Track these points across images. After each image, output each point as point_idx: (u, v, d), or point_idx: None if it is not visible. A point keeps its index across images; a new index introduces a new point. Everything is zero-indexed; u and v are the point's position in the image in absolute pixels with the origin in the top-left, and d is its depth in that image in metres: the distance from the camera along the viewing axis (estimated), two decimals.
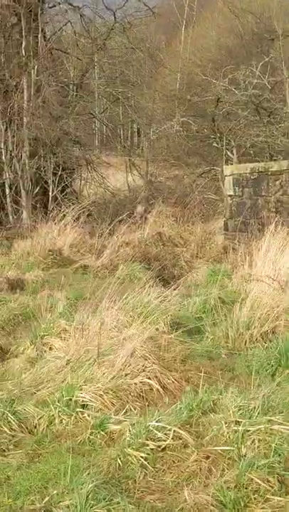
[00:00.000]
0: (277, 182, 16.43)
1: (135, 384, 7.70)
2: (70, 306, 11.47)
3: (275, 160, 17.93)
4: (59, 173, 20.63)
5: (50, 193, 20.76)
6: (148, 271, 15.92)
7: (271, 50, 24.12)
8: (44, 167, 20.84)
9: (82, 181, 24.28)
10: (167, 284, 16.73)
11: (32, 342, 9.91)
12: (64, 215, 18.65)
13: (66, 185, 21.54)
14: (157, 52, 25.81)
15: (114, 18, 22.52)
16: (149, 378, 7.79)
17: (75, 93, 21.63)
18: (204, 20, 34.79)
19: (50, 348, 9.63)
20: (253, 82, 17.50)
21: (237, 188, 17.31)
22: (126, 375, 7.81)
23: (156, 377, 7.87)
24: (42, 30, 23.50)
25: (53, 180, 20.61)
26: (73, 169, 22.75)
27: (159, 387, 7.73)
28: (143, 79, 23.62)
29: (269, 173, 16.56)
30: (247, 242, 15.84)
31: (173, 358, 8.66)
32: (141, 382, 7.76)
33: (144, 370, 7.92)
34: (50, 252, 16.80)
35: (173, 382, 7.96)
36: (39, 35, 22.85)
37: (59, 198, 20.66)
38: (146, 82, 23.22)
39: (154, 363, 8.04)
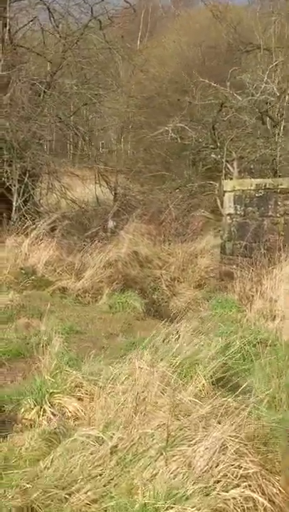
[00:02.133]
0: (288, 201, 13.88)
1: (234, 500, 4.84)
2: (66, 343, 8.88)
3: (280, 177, 15.42)
4: (25, 180, 17.56)
5: (14, 203, 17.63)
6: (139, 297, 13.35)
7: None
8: (7, 172, 17.72)
9: (44, 191, 21.25)
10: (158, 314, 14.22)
11: (37, 402, 7.06)
12: (32, 229, 15.63)
13: (31, 195, 18.50)
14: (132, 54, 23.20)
15: (92, 13, 19.74)
16: (251, 489, 4.98)
17: (43, 91, 18.62)
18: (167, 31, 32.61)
19: (64, 412, 7.00)
20: (261, 86, 15.05)
21: (239, 206, 14.81)
22: (217, 482, 4.98)
23: (260, 485, 5.05)
24: (6, 25, 20.57)
25: (17, 189, 17.50)
26: (37, 177, 19.75)
27: (266, 503, 4.91)
28: (118, 82, 20.90)
29: (278, 191, 14.11)
30: (250, 269, 13.38)
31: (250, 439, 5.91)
32: (241, 495, 4.88)
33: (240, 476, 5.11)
34: (23, 271, 13.84)
35: (279, 492, 5.20)
36: (4, 30, 19.96)
37: (23, 209, 17.55)
38: (121, 85, 20.49)
39: (251, 460, 5.28)
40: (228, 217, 15.10)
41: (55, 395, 7.14)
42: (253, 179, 15.00)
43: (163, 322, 12.79)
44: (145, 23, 35.58)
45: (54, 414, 6.72)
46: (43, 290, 13.45)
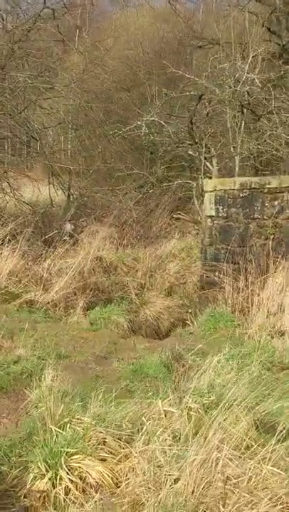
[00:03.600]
0: (276, 202, 12.59)
1: None
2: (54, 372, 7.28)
3: (264, 175, 13.93)
4: None
5: None
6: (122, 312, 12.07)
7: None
8: None
9: None
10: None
11: (50, 466, 5.40)
12: None
13: None
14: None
15: (44, 1, 17.90)
16: None
17: None
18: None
19: (84, 480, 5.50)
20: (243, 76, 13.53)
21: (221, 207, 13.29)
22: None
23: None
24: None
25: None
26: None
27: None
28: (72, 76, 19.09)
29: (265, 191, 12.67)
30: (238, 277, 11.95)
31: None
32: None
33: None
34: None
35: None
36: None
37: None
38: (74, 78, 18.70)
39: None
40: (209, 220, 13.54)
41: (73, 457, 5.44)
42: (236, 178, 13.48)
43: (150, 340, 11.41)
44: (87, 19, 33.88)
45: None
46: (8, 303, 11.66)
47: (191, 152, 15.26)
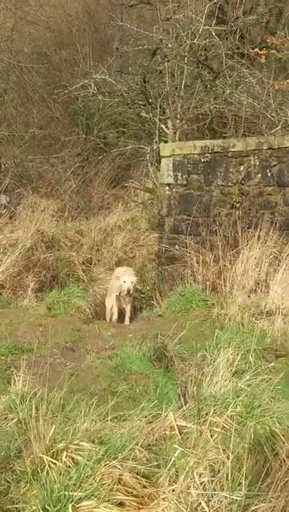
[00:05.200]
0: (242, 167, 11.34)
1: None
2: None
3: (224, 138, 12.62)
4: None
5: None
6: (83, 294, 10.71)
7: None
8: None
9: None
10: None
11: None
12: None
13: None
14: None
15: None
16: None
17: None
18: None
19: None
20: (200, 28, 12.12)
21: (180, 174, 12.00)
22: None
23: None
24: None
25: None
26: None
27: None
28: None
29: (229, 155, 11.45)
30: (200, 251, 10.78)
31: None
32: None
33: None
34: None
35: None
36: None
37: None
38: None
39: None
40: (167, 188, 12.20)
41: (83, 504, 4.04)
42: (197, 141, 12.13)
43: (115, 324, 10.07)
44: None
45: None
46: None
47: (144, 114, 13.85)
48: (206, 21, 12.69)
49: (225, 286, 9.81)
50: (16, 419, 5.21)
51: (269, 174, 11.18)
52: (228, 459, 4.23)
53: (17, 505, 4.17)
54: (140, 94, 13.54)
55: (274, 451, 4.76)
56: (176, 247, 11.59)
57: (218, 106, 13.08)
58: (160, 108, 13.10)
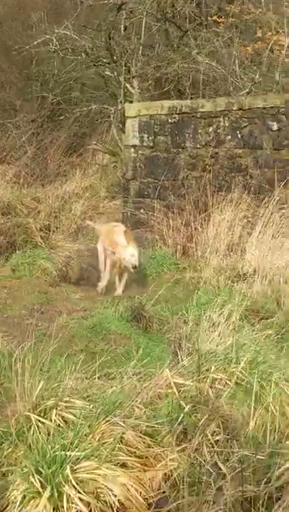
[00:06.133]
0: (211, 128, 10.97)
1: None
2: None
3: (192, 99, 12.14)
4: None
5: None
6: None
7: None
8: None
9: None
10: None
11: (47, 479, 3.52)
12: None
13: None
14: None
15: None
16: None
17: None
18: None
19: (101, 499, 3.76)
20: None
21: (146, 135, 11.54)
22: None
23: None
24: None
25: None
26: None
27: None
28: None
29: (198, 116, 11.02)
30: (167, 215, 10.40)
31: None
32: None
33: None
34: None
35: None
36: None
37: None
38: None
39: None
40: (132, 150, 11.70)
41: (82, 465, 3.56)
42: (164, 101, 11.63)
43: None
44: None
45: None
46: None
47: (108, 72, 13.21)
48: None
49: (197, 249, 9.45)
50: None
51: (239, 136, 10.79)
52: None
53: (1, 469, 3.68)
54: (105, 51, 12.93)
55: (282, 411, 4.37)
56: (142, 211, 11.13)
57: (185, 66, 12.57)
58: (125, 66, 12.57)
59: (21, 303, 7.61)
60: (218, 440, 3.72)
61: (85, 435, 3.72)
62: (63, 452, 3.57)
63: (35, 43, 13.26)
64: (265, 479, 3.30)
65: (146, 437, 3.85)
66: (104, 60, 13.10)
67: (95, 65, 13.37)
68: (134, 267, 8.33)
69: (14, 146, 16.12)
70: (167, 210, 10.66)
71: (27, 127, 16.57)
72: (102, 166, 15.53)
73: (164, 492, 3.59)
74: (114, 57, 12.60)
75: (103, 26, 12.70)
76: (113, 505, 3.49)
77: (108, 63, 13.01)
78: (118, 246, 8.54)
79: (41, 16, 17.75)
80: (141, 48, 12.64)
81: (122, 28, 12.58)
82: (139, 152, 11.69)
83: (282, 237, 8.72)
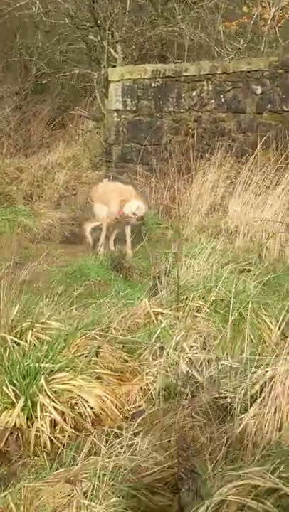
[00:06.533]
0: (195, 92, 10.93)
1: None
2: None
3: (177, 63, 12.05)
4: None
5: None
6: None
7: None
8: None
9: None
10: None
11: (21, 390, 3.42)
12: None
13: None
14: None
15: None
16: None
17: None
18: None
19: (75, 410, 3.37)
20: None
21: (129, 100, 11.48)
22: None
23: None
24: None
25: None
26: None
27: None
28: None
29: (182, 80, 10.97)
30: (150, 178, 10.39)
31: None
32: None
33: None
34: None
35: None
36: None
37: None
38: None
39: None
40: (115, 115, 11.61)
41: (57, 375, 3.52)
42: (147, 65, 11.53)
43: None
44: None
45: None
46: None
47: (92, 36, 13.03)
48: None
49: (179, 210, 9.42)
50: None
51: (223, 100, 10.71)
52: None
53: None
54: (88, 14, 12.74)
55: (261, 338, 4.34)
56: (125, 175, 11.06)
57: (169, 29, 12.43)
58: (109, 31, 12.40)
59: (1, 257, 7.54)
60: (196, 353, 3.70)
61: (61, 349, 3.68)
62: (37, 364, 3.53)
63: (18, 5, 13.06)
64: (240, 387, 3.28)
65: (122, 352, 3.81)
66: (88, 24, 12.94)
67: (78, 28, 13.18)
68: (141, 219, 7.85)
69: None
70: (150, 173, 10.64)
71: (11, 99, 16.45)
72: (85, 131, 15.38)
73: (139, 406, 3.57)
74: (98, 21, 12.44)
75: None
76: (88, 417, 3.47)
77: (91, 27, 12.84)
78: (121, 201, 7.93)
79: None
80: (126, 12, 12.45)
81: None
82: (122, 116, 11.60)
83: (264, 195, 8.69)
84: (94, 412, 3.47)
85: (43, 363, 3.55)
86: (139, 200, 7.81)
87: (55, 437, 3.35)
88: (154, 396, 3.54)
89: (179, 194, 9.71)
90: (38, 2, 12.99)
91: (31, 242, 8.73)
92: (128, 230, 8.03)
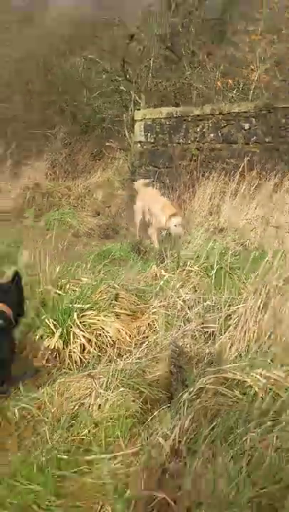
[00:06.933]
0: (198, 128, 10.88)
1: None
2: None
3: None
4: None
5: None
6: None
7: None
8: None
9: None
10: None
11: (60, 323, 3.44)
12: None
13: None
14: None
15: None
16: None
17: None
18: None
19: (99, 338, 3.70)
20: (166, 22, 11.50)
21: (149, 134, 11.52)
22: None
23: None
24: None
25: None
26: None
27: None
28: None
29: (189, 119, 10.93)
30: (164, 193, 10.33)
31: None
32: None
33: None
34: None
35: None
36: None
37: None
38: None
39: None
40: (139, 145, 11.70)
41: (86, 313, 3.55)
42: (163, 108, 11.59)
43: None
44: None
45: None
46: None
47: (122, 87, 13.18)
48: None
49: (185, 214, 9.41)
50: None
51: (219, 134, 10.69)
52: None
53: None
54: (120, 71, 12.82)
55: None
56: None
57: (183, 81, 12.43)
58: (135, 83, 12.48)
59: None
60: (189, 299, 3.72)
61: (89, 294, 3.73)
62: (71, 305, 3.58)
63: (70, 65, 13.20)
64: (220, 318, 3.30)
65: (135, 298, 3.84)
66: (119, 78, 13.03)
67: (112, 80, 13.32)
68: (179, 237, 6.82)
69: (53, 150, 16.15)
70: (164, 189, 10.65)
71: (63, 137, 16.58)
72: (117, 158, 15.40)
73: (147, 336, 3.59)
74: (127, 76, 12.52)
75: (119, 52, 12.64)
76: (108, 343, 3.50)
77: (122, 80, 12.94)
78: (163, 215, 7.23)
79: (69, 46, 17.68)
80: (149, 70, 12.50)
81: (135, 53, 12.46)
82: (144, 147, 11.63)
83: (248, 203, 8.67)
84: (112, 340, 3.51)
85: (75, 304, 3.59)
86: (179, 217, 7.27)
87: (83, 356, 3.39)
88: (157, 327, 3.56)
89: (185, 203, 9.70)
90: (83, 60, 13.11)
91: (75, 236, 8.78)
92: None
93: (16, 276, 3.31)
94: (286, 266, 3.98)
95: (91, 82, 14.71)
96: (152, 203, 7.69)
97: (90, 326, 3.47)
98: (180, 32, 12.14)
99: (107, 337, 3.46)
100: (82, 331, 3.41)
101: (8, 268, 5.09)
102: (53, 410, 2.76)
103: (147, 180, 9.16)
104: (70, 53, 14.88)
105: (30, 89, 17.93)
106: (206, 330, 3.25)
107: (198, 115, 10.87)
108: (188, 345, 3.03)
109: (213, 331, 3.15)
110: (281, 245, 7.30)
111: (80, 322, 3.44)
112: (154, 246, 7.29)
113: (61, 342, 3.40)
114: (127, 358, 3.06)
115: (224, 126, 10.65)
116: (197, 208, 9.45)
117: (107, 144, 14.94)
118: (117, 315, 3.60)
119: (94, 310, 3.55)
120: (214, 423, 2.26)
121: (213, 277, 3.95)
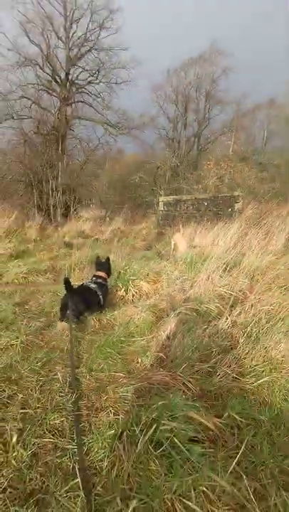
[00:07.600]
0: (185, 205, 10.50)
1: None
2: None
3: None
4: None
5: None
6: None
7: None
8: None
9: None
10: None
11: (123, 285, 3.51)
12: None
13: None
14: None
15: None
16: None
17: None
18: None
19: (140, 291, 3.52)
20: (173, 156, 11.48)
21: (165, 206, 11.22)
22: None
23: None
24: None
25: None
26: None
27: None
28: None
29: (181, 200, 10.59)
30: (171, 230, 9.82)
31: None
32: None
33: None
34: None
35: None
36: None
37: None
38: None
39: None
40: (161, 212, 11.54)
41: (135, 281, 3.48)
42: (170, 196, 11.48)
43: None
44: None
45: None
46: (88, 238, 9.40)
47: (153, 188, 13.21)
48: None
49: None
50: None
51: (193, 206, 10.49)
52: None
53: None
54: (152, 181, 12.78)
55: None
56: (163, 230, 10.89)
57: (187, 186, 12.26)
58: (159, 188, 12.40)
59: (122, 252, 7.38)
60: (177, 275, 3.61)
61: (136, 272, 3.68)
62: (128, 276, 3.54)
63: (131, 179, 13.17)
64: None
65: (155, 273, 3.76)
66: (152, 189, 12.94)
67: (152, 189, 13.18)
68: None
69: (124, 213, 15.96)
70: (170, 228, 10.44)
71: (122, 209, 16.23)
72: (151, 217, 15.11)
73: (159, 290, 3.49)
74: (155, 182, 12.48)
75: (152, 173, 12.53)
76: (143, 292, 3.45)
77: (153, 190, 12.89)
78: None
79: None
80: (165, 181, 12.37)
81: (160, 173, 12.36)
82: (163, 212, 11.50)
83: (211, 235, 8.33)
84: (145, 291, 3.46)
85: (131, 276, 3.56)
86: (187, 244, 6.69)
87: (133, 299, 3.35)
88: (164, 287, 3.47)
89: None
90: (138, 178, 13.05)
91: (132, 249, 8.62)
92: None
93: (108, 259, 3.34)
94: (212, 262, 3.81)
95: (142, 187, 14.60)
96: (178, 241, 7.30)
97: (136, 286, 3.47)
98: (179, 166, 12.02)
99: (143, 290, 3.45)
100: (133, 288, 3.42)
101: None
102: (119, 320, 2.77)
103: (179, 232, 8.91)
104: (133, 174, 14.92)
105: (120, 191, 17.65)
106: (184, 288, 3.20)
107: (185, 200, 10.69)
108: (176, 294, 2.99)
109: (186, 289, 3.10)
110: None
111: (132, 284, 3.45)
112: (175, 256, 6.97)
113: (124, 291, 3.42)
114: (150, 298, 3.04)
115: (196, 204, 10.44)
116: (186, 237, 9.20)
117: (148, 211, 14.69)
118: (147, 281, 3.59)
119: (138, 279, 3.55)
120: (184, 326, 2.23)
121: (188, 266, 3.88)
